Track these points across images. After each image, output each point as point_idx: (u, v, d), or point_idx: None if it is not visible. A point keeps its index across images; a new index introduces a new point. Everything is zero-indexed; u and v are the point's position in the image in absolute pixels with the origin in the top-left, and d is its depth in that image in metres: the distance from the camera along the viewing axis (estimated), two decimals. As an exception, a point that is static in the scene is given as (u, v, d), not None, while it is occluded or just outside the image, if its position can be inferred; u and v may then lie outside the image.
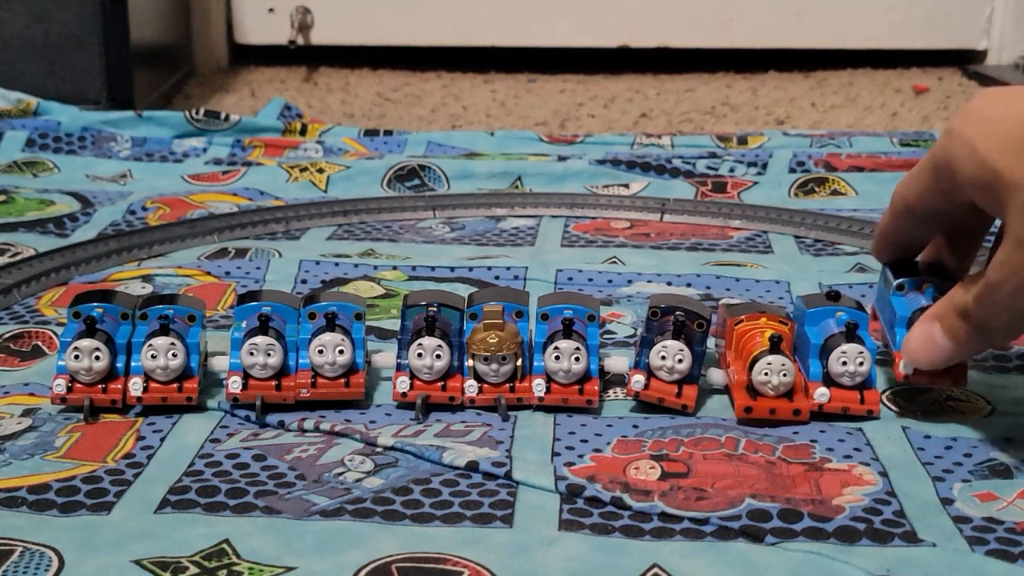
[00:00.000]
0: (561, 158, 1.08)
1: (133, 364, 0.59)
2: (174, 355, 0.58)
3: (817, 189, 1.01)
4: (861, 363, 0.57)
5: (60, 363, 0.58)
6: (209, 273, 0.80)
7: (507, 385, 0.59)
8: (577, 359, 0.58)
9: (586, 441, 0.56)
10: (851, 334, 0.57)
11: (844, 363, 0.57)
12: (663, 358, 0.58)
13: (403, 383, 0.59)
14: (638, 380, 0.58)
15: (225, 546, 0.47)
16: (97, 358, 0.58)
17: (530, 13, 1.75)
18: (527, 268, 0.80)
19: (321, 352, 0.58)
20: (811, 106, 1.52)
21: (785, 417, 0.57)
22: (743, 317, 0.60)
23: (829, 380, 0.58)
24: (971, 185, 0.49)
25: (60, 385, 0.58)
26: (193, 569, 0.46)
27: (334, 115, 1.46)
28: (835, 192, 1.00)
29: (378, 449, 0.56)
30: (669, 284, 0.78)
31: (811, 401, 0.58)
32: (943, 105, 1.53)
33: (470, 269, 0.80)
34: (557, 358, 0.58)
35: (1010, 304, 0.49)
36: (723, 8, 1.76)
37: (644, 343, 0.59)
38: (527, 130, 1.27)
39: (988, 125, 0.47)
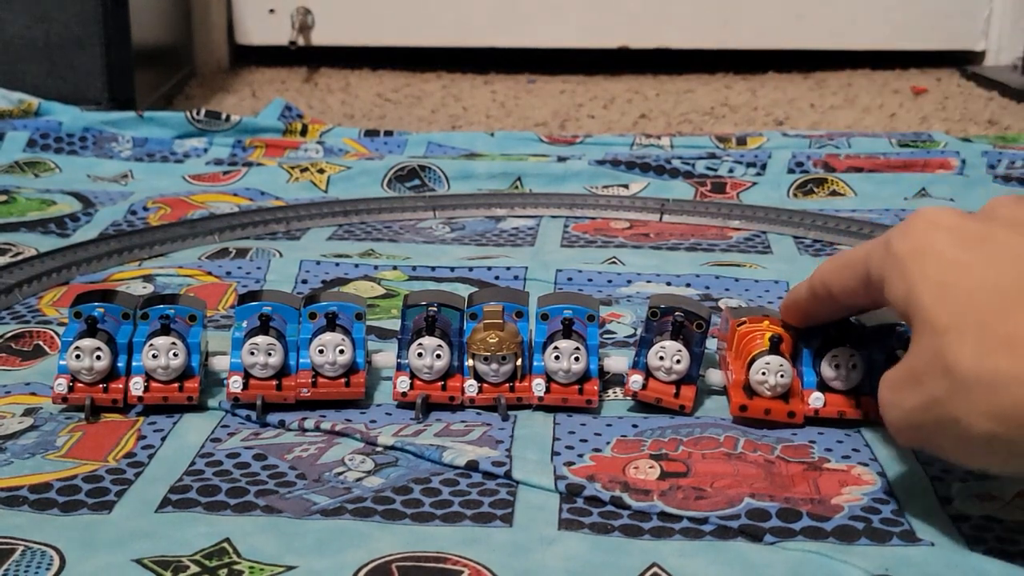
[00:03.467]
0: (561, 159, 1.08)
1: (134, 364, 0.59)
2: (175, 355, 0.58)
3: (816, 190, 1.01)
4: (854, 365, 0.57)
5: (61, 363, 0.58)
6: (210, 273, 0.80)
7: (507, 385, 0.59)
8: (577, 359, 0.58)
9: (586, 441, 0.57)
10: (841, 337, 0.57)
11: (837, 366, 0.57)
12: (661, 358, 0.58)
13: (403, 383, 0.59)
14: (636, 380, 0.58)
15: (226, 545, 0.48)
16: (98, 358, 0.58)
17: (530, 13, 1.75)
18: (527, 268, 0.80)
19: (322, 352, 0.58)
20: (810, 107, 1.52)
21: (780, 419, 0.58)
22: (746, 319, 0.60)
23: (824, 386, 0.58)
24: (895, 304, 0.48)
25: (61, 385, 0.58)
26: (194, 568, 0.46)
27: (334, 116, 1.46)
28: (834, 193, 1.01)
29: (378, 448, 0.56)
30: (668, 284, 0.78)
31: (807, 406, 0.58)
32: (941, 106, 1.53)
33: (470, 269, 0.80)
34: (557, 358, 0.58)
35: (886, 417, 0.47)
36: (723, 9, 1.76)
37: (643, 343, 0.59)
38: (527, 131, 1.27)
39: (926, 258, 0.46)
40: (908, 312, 0.46)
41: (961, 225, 0.46)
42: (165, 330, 0.58)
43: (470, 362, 0.59)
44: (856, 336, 0.58)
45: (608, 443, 0.56)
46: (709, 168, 1.05)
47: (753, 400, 0.58)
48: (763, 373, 0.57)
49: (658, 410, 0.59)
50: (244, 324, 0.60)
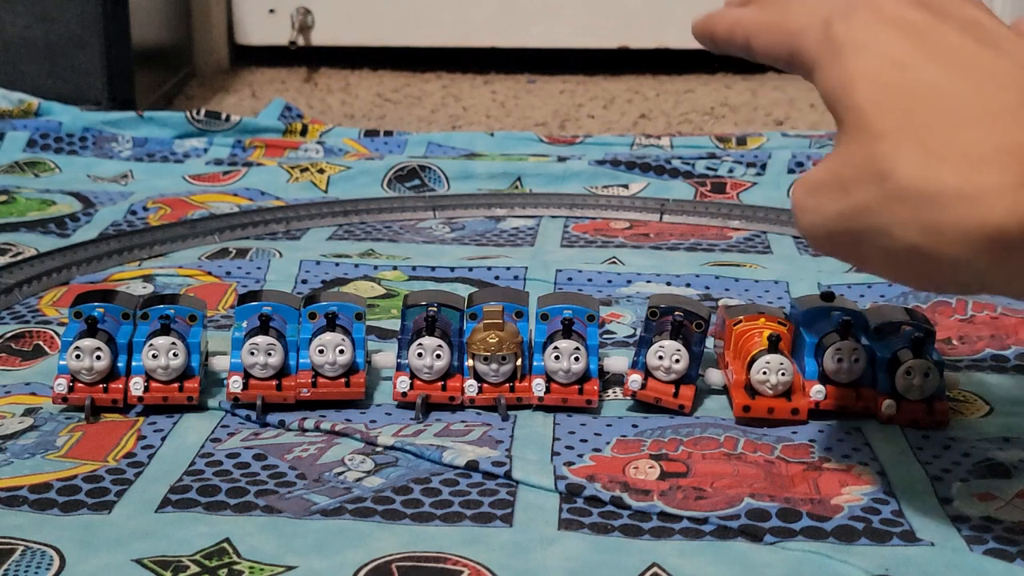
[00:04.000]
0: (561, 159, 1.08)
1: (134, 364, 0.59)
2: (175, 355, 0.58)
3: (816, 190, 1.01)
4: (856, 359, 0.57)
5: (61, 363, 0.58)
6: (210, 273, 0.80)
7: (507, 385, 0.59)
8: (577, 359, 0.58)
9: (586, 441, 0.57)
10: (846, 331, 0.57)
11: (839, 360, 0.57)
12: (660, 358, 0.58)
13: (403, 383, 0.59)
14: (635, 380, 0.58)
15: (226, 545, 0.48)
16: (98, 358, 0.58)
17: (530, 13, 1.75)
18: (527, 268, 0.80)
19: (322, 352, 0.58)
20: (810, 107, 1.52)
21: (783, 416, 0.58)
22: (742, 318, 0.60)
23: (825, 379, 0.58)
24: (824, 95, 0.44)
25: (61, 385, 0.58)
26: (194, 568, 0.46)
27: (334, 116, 1.46)
28: (834, 193, 1.00)
29: (378, 449, 0.56)
30: (668, 284, 0.78)
31: (808, 399, 0.58)
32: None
33: (470, 269, 0.80)
34: (557, 358, 0.58)
35: (800, 222, 0.44)
36: (723, 9, 1.76)
37: (642, 343, 0.59)
38: (527, 131, 1.27)
39: (867, 52, 0.41)
40: (838, 108, 0.42)
41: (910, 21, 0.42)
42: (165, 330, 0.58)
43: (470, 362, 0.59)
44: (860, 329, 0.58)
45: (608, 443, 0.56)
46: (709, 168, 1.05)
47: (755, 400, 0.58)
48: (764, 373, 0.57)
49: (658, 410, 0.59)
50: (244, 324, 0.60)
